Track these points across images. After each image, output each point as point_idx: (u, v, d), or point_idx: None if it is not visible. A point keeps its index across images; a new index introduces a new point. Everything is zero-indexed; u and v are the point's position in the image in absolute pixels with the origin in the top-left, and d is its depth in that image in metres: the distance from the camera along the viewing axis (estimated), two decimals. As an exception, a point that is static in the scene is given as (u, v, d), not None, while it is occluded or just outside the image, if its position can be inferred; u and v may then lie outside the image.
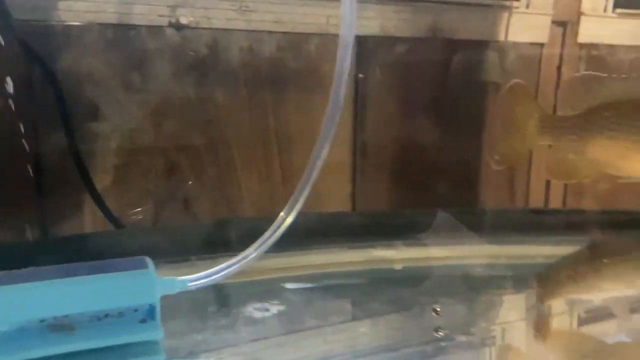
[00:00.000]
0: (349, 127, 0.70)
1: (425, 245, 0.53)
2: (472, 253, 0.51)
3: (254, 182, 0.67)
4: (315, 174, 0.35)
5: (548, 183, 0.80)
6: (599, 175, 0.48)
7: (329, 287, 0.44)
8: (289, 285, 0.41)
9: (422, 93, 0.70)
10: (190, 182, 0.62)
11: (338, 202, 0.71)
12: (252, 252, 0.35)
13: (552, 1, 0.75)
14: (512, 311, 0.42)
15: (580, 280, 0.43)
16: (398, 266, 0.48)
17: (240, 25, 0.63)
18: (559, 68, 0.77)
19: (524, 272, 0.48)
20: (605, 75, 0.46)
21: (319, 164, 0.35)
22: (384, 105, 0.71)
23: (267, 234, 0.35)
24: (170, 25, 0.60)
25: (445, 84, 0.69)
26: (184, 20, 0.60)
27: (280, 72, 0.66)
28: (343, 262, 0.50)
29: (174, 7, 0.59)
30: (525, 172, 0.78)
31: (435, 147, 0.71)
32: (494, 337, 0.37)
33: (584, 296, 0.43)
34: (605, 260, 0.45)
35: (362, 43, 0.68)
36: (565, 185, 0.80)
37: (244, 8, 0.62)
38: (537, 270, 0.48)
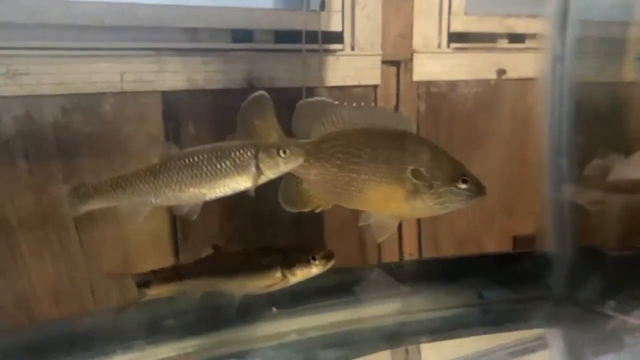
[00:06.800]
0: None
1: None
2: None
3: (47, 268, 0.57)
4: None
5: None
6: (332, 205, 0.45)
7: None
8: None
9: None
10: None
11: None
12: None
13: (379, 41, 0.72)
14: None
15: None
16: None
17: (12, 90, 0.55)
18: (396, 108, 0.74)
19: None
20: (337, 102, 0.44)
21: None
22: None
23: None
24: None
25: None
26: None
27: (70, 138, 0.58)
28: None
29: None
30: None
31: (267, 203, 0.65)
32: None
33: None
34: None
35: (167, 99, 0.62)
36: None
37: (12, 72, 0.55)
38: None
